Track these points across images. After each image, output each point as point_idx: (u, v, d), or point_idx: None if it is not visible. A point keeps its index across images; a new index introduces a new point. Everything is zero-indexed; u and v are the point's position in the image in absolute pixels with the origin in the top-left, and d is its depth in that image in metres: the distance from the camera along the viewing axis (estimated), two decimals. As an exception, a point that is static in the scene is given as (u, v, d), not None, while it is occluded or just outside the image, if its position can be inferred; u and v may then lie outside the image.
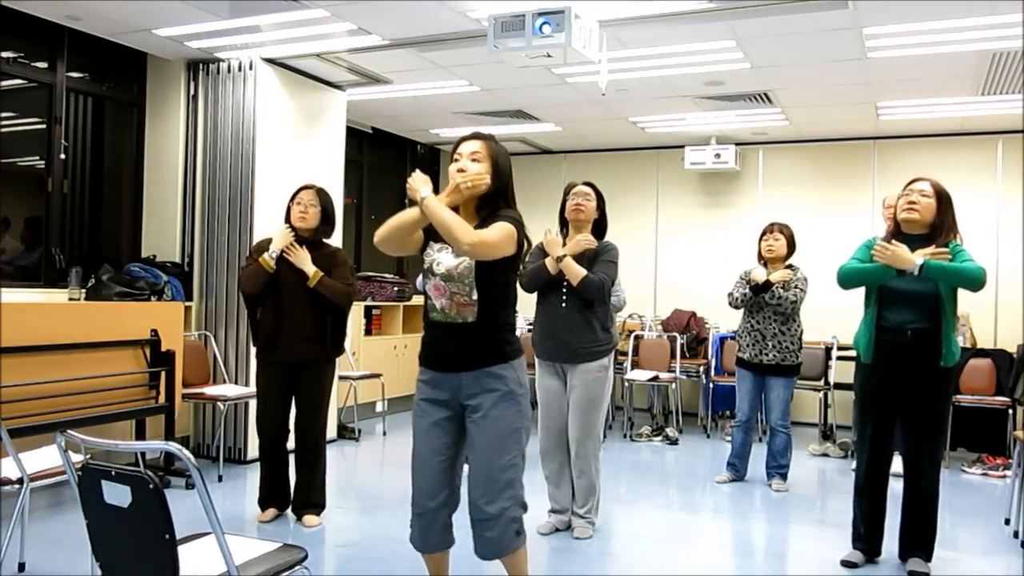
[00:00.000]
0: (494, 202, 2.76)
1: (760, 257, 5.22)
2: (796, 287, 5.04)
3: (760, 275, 5.06)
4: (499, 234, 2.66)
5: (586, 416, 4.00)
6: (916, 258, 3.38)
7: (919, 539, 3.68)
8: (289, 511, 4.26)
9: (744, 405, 5.28)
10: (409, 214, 2.72)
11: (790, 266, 5.15)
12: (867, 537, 3.76)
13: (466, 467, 2.85)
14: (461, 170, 2.72)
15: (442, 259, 2.76)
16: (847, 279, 3.61)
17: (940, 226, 3.51)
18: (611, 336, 4.06)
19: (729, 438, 5.66)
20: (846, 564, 3.75)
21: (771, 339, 5.06)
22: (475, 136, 2.81)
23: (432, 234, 2.78)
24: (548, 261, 3.95)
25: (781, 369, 5.08)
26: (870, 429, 3.68)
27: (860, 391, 3.73)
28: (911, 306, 3.50)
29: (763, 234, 5.22)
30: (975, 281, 3.38)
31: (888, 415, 3.64)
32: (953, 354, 3.52)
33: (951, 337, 3.51)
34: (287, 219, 4.11)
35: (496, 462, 2.72)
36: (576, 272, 3.87)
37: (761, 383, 5.19)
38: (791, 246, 5.17)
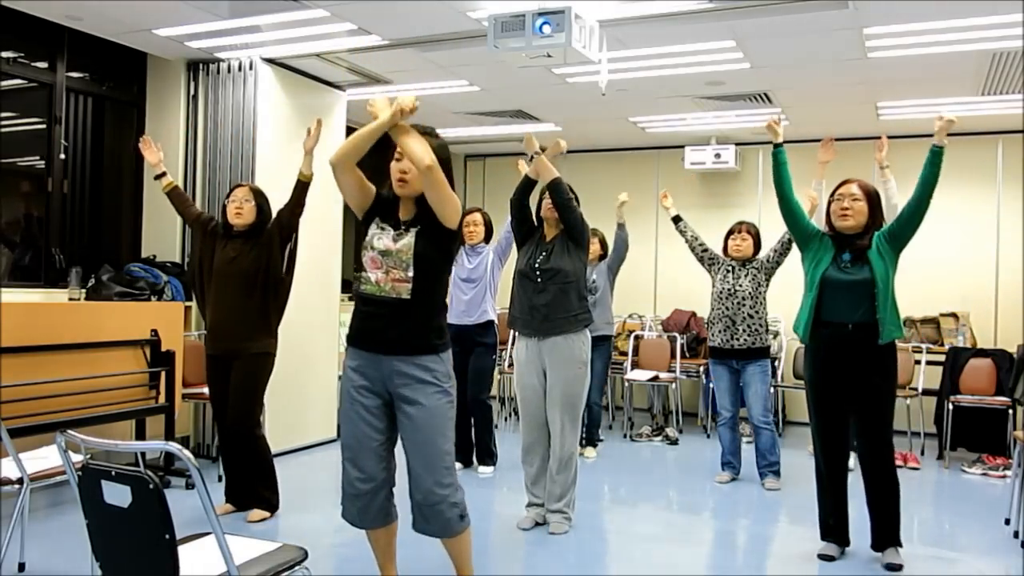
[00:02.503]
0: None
1: (726, 254, 5.33)
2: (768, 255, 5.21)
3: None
4: (447, 188, 2.78)
5: (567, 414, 4.06)
6: (942, 140, 3.66)
7: (888, 528, 3.75)
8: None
9: (725, 402, 5.32)
10: (371, 129, 2.74)
11: (755, 260, 5.28)
12: (834, 528, 3.84)
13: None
14: (403, 171, 2.82)
15: (383, 236, 2.85)
16: (777, 183, 4.01)
17: (871, 225, 3.73)
18: (586, 306, 4.13)
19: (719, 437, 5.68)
20: (823, 557, 3.81)
21: (741, 323, 5.14)
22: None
23: (378, 211, 2.90)
24: (530, 140, 4.10)
25: (753, 352, 5.16)
26: (822, 422, 3.80)
27: (808, 386, 3.85)
28: (850, 297, 3.63)
29: (730, 233, 5.33)
30: (932, 186, 3.64)
31: (837, 406, 3.75)
32: (890, 331, 3.62)
33: (894, 319, 3.63)
34: (223, 216, 4.16)
35: (435, 450, 2.82)
36: (550, 170, 4.01)
37: (737, 378, 5.26)
38: (757, 246, 5.28)
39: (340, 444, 2.95)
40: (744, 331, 5.14)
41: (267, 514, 4.20)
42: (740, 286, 5.17)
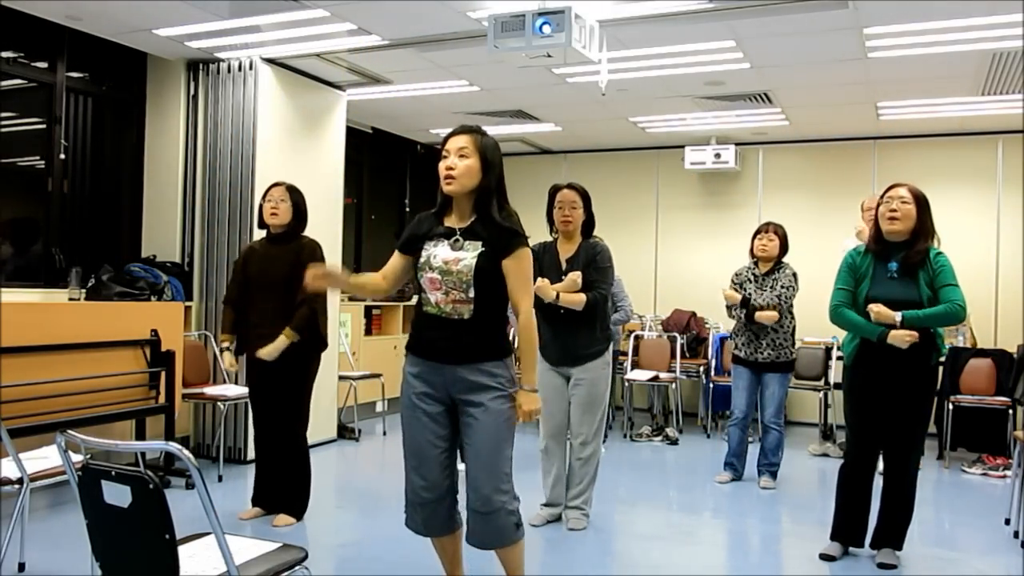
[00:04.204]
0: (487, 200, 2.75)
1: (752, 255, 5.27)
2: (782, 286, 5.10)
3: (734, 297, 5.16)
4: (527, 279, 2.77)
5: (592, 412, 4.08)
6: (895, 314, 3.49)
7: (893, 531, 3.74)
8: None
9: (740, 402, 5.27)
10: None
11: (780, 264, 5.19)
12: (846, 528, 3.82)
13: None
14: (449, 167, 2.71)
15: (439, 252, 2.74)
16: (838, 323, 3.74)
17: (920, 231, 3.59)
18: (609, 333, 4.16)
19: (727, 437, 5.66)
20: (824, 557, 3.79)
21: (764, 338, 5.11)
22: (462, 130, 2.77)
23: (427, 235, 2.80)
24: (544, 289, 3.92)
25: (776, 366, 5.13)
26: (859, 423, 3.75)
27: (848, 386, 3.80)
28: (898, 310, 3.55)
29: (757, 233, 5.27)
30: (955, 319, 3.52)
31: (876, 410, 3.69)
32: (940, 351, 3.63)
33: (938, 335, 3.61)
34: (259, 218, 4.13)
35: (496, 456, 2.74)
36: (576, 300, 3.92)
37: (757, 380, 5.22)
38: (784, 246, 5.21)
39: (403, 453, 2.86)
40: (767, 345, 5.10)
41: (294, 520, 4.14)
42: (764, 300, 5.09)
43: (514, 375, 2.82)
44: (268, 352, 3.94)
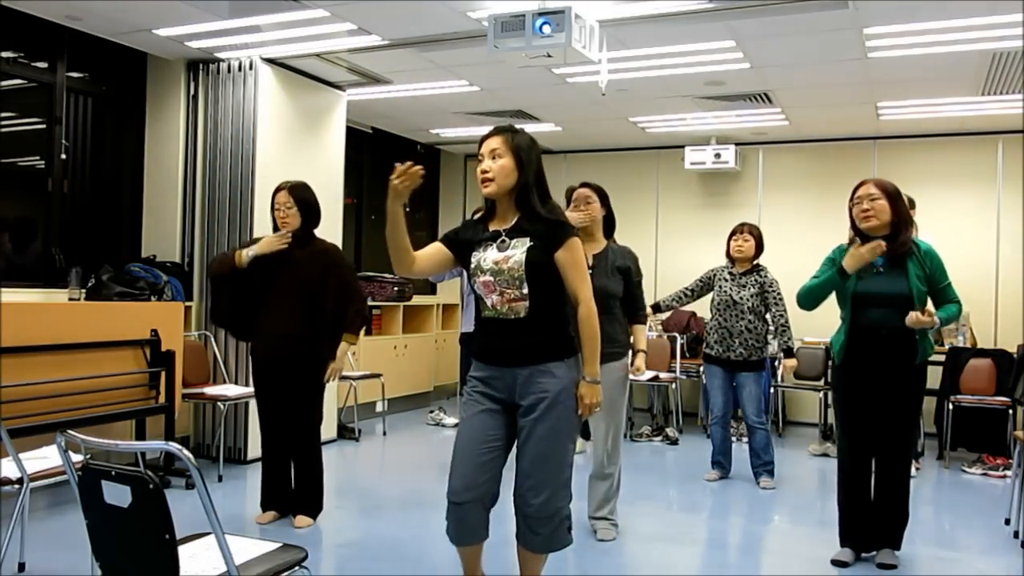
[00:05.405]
0: (527, 197, 2.74)
1: (728, 256, 5.29)
2: (771, 285, 5.15)
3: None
4: (583, 268, 2.77)
5: (611, 417, 4.00)
6: (936, 318, 3.51)
7: (891, 531, 3.72)
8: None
9: (718, 400, 5.30)
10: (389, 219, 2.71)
11: (758, 266, 5.22)
12: (854, 533, 3.78)
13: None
14: (484, 170, 2.72)
15: (488, 255, 2.74)
16: (804, 300, 3.75)
17: (899, 223, 3.59)
18: (628, 336, 4.13)
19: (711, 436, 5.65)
20: (836, 563, 3.75)
21: (737, 336, 5.13)
22: (494, 132, 2.79)
23: (476, 241, 2.79)
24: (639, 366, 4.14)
25: (749, 364, 5.16)
26: (850, 426, 3.73)
27: (838, 389, 3.79)
28: (885, 307, 3.55)
29: (732, 234, 5.29)
30: (959, 316, 3.71)
31: (866, 411, 3.67)
32: (926, 350, 3.62)
33: (925, 334, 3.61)
34: (273, 224, 4.09)
35: (554, 462, 2.72)
36: (644, 337, 4.14)
37: (731, 378, 5.25)
38: (759, 247, 5.24)
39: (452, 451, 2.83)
40: (740, 344, 5.12)
41: (312, 520, 4.12)
42: (740, 297, 5.13)
43: (578, 375, 2.77)
44: (336, 371, 4.10)
